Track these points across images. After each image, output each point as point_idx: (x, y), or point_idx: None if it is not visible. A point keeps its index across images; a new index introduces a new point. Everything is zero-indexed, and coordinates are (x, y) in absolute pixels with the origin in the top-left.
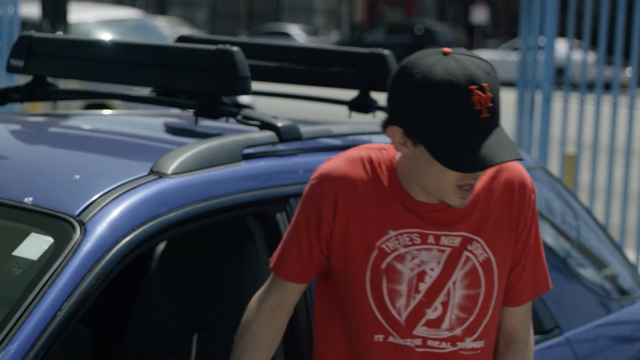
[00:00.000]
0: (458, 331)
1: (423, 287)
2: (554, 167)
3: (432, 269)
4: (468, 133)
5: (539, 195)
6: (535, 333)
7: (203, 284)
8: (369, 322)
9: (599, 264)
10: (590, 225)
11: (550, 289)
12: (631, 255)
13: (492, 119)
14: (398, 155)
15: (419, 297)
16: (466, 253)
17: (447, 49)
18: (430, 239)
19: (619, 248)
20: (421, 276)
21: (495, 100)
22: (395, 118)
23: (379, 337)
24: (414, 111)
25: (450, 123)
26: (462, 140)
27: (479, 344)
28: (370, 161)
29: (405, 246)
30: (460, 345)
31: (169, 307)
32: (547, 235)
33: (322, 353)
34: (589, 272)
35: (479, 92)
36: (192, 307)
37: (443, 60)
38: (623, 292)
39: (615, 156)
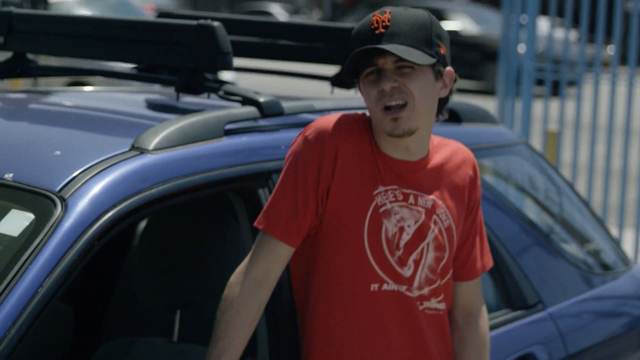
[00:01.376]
0: (426, 291)
1: (401, 244)
2: (537, 144)
3: (409, 226)
4: (366, 44)
5: (522, 170)
6: (519, 308)
7: (185, 260)
8: (366, 272)
9: (582, 239)
10: (574, 201)
11: (492, 265)
12: (613, 232)
13: (388, 35)
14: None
15: (398, 253)
16: (434, 217)
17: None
18: (411, 199)
19: (602, 223)
20: (400, 233)
21: (395, 24)
22: None
23: (375, 286)
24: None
25: (358, 43)
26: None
27: (442, 306)
28: (365, 121)
29: (391, 202)
30: (426, 304)
31: (152, 284)
32: (530, 211)
33: (311, 318)
34: (572, 248)
35: (379, 15)
36: (175, 283)
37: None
38: (606, 267)
39: (597, 133)
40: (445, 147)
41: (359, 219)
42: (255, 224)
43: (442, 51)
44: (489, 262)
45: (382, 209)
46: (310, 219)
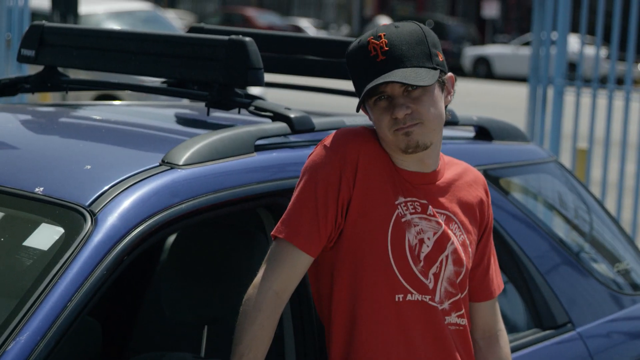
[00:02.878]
0: (446, 305)
1: (422, 256)
2: (566, 161)
3: (428, 239)
4: (372, 74)
5: (553, 189)
6: (548, 328)
7: (214, 276)
8: (390, 283)
9: (612, 258)
10: (604, 220)
11: (503, 287)
12: None
13: (389, 60)
14: None
15: (420, 265)
16: (450, 230)
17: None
18: (429, 211)
19: (632, 243)
20: (421, 245)
21: (393, 46)
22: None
23: (399, 297)
24: (352, 78)
25: (360, 73)
26: (370, 80)
27: (463, 322)
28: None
29: (411, 214)
30: (448, 319)
31: (180, 299)
32: (560, 230)
33: (335, 331)
34: (602, 267)
35: (374, 40)
36: (203, 298)
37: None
38: (636, 287)
39: (627, 151)
40: (456, 166)
41: (382, 228)
42: (273, 233)
43: (440, 58)
44: (502, 283)
45: (403, 220)
46: (330, 228)
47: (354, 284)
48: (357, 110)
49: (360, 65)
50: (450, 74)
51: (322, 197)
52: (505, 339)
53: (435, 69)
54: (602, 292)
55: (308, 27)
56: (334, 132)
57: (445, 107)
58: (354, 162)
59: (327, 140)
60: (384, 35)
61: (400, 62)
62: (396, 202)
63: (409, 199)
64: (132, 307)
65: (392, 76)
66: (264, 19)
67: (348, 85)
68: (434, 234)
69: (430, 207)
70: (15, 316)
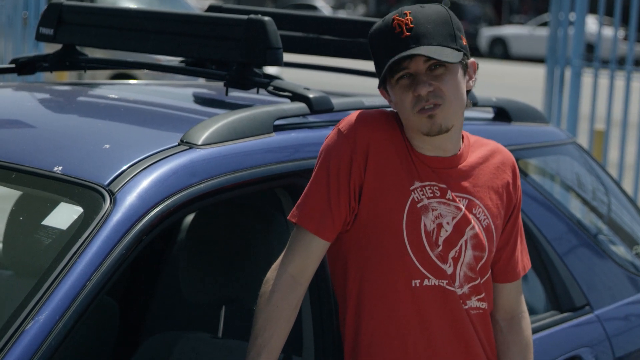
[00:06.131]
0: (466, 289)
1: (440, 240)
2: (583, 143)
3: (447, 223)
4: (396, 50)
5: (572, 170)
6: (566, 310)
7: (231, 256)
8: (407, 268)
9: (631, 241)
10: (623, 202)
11: (531, 267)
12: None
13: (414, 37)
14: None
15: (438, 249)
16: (472, 215)
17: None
18: (449, 195)
19: None
20: (439, 229)
21: (418, 24)
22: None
23: (416, 282)
24: (374, 58)
25: (384, 51)
26: (394, 56)
27: (484, 305)
28: (397, 118)
29: (428, 198)
30: (469, 303)
31: (197, 279)
32: (579, 212)
33: (354, 315)
34: (620, 249)
35: (399, 18)
36: (220, 279)
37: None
38: None
39: None
40: (482, 147)
41: (397, 214)
42: (289, 217)
43: (464, 42)
44: (528, 263)
45: (419, 205)
46: (344, 213)
47: (370, 268)
48: (379, 87)
49: (384, 43)
50: (472, 59)
51: (334, 182)
52: (527, 322)
53: (459, 50)
54: (620, 274)
55: (324, 6)
56: (349, 114)
57: (468, 92)
58: (365, 147)
59: (342, 124)
60: (409, 13)
61: (425, 39)
62: (411, 188)
63: (426, 183)
64: (149, 287)
65: (417, 50)
66: None
67: (366, 65)
68: (453, 218)
69: (449, 191)
70: (34, 295)
